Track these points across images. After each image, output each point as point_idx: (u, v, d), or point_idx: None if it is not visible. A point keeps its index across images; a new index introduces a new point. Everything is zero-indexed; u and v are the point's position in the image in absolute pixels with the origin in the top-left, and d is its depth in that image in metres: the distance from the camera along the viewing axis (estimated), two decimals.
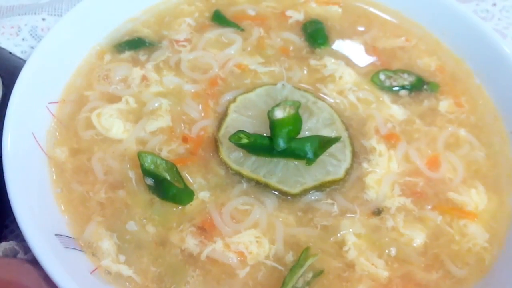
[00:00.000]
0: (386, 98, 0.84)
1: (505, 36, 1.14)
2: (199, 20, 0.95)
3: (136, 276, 0.67)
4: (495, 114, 0.82)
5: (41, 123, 0.79)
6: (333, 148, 0.76)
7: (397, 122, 0.81)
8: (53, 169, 0.76)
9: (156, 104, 0.82)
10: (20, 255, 0.72)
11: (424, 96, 0.85)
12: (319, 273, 0.67)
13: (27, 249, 0.72)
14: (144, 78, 0.86)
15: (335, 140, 0.74)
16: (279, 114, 0.75)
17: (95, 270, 0.67)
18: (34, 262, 0.69)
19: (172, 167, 0.74)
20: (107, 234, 0.70)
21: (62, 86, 0.85)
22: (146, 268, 0.68)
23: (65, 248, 0.67)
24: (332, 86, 0.85)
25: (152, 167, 0.74)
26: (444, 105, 0.83)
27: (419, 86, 0.85)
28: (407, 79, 0.86)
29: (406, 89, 0.85)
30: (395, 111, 0.82)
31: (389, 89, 0.85)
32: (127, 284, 0.66)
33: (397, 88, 0.85)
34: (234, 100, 0.82)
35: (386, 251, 0.68)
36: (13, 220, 0.72)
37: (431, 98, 0.84)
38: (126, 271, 0.67)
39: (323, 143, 0.74)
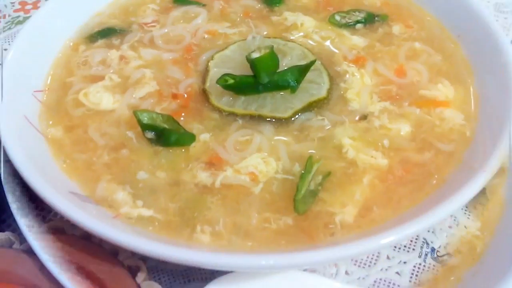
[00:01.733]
0: (345, 32, 0.93)
1: None
2: (161, 4, 1.02)
3: (157, 215, 0.68)
4: (440, 25, 0.93)
5: (30, 109, 0.81)
6: (311, 76, 0.83)
7: (360, 48, 0.90)
8: (52, 146, 0.77)
9: (139, 75, 0.87)
10: (16, 245, 0.72)
11: (378, 26, 0.95)
12: (327, 175, 0.72)
13: (22, 240, 0.72)
14: (122, 57, 0.90)
15: (311, 63, 0.81)
16: (256, 55, 0.82)
17: (116, 216, 0.68)
18: (29, 252, 0.69)
19: (169, 118, 0.78)
20: (119, 188, 0.71)
21: (44, 76, 0.88)
22: (165, 206, 0.70)
23: (83, 202, 0.68)
24: (296, 32, 0.94)
25: (150, 121, 0.77)
26: (396, 29, 0.94)
27: (371, 19, 0.96)
28: (359, 16, 0.96)
29: (361, 23, 0.95)
30: (356, 40, 0.91)
31: (346, 26, 0.95)
32: (151, 223, 0.68)
33: (352, 23, 0.95)
34: (211, 58, 0.88)
35: (380, 144, 0.75)
36: (10, 215, 0.72)
37: (384, 26, 0.95)
38: (146, 212, 0.68)
39: (302, 70, 0.81)
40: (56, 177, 0.72)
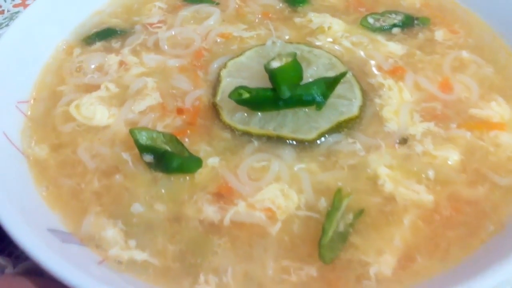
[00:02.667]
0: (380, 37, 0.81)
1: None
2: (170, 2, 0.90)
3: (153, 259, 0.57)
4: (492, 33, 0.80)
5: (12, 124, 0.70)
6: (341, 90, 0.70)
7: (398, 57, 0.78)
8: (34, 169, 0.66)
9: (141, 84, 0.75)
10: (9, 269, 0.61)
11: (418, 30, 0.82)
12: (359, 213, 0.59)
13: (15, 262, 0.62)
14: (121, 63, 0.79)
15: (341, 75, 0.69)
16: (276, 64, 0.69)
17: (102, 261, 0.56)
18: (26, 273, 0.59)
19: (171, 138, 0.66)
20: (109, 223, 0.60)
21: (31, 85, 0.77)
22: (163, 248, 0.58)
23: (63, 242, 0.56)
24: (323, 37, 0.81)
25: (149, 142, 0.66)
26: (440, 34, 0.81)
27: (410, 22, 0.83)
28: (396, 18, 0.84)
29: (398, 26, 0.82)
30: (393, 47, 0.79)
31: (381, 30, 0.82)
32: (145, 269, 0.56)
33: (388, 27, 0.82)
34: (224, 66, 0.76)
35: (423, 175, 0.62)
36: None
37: (424, 30, 0.82)
38: (139, 255, 0.57)
39: (330, 83, 0.69)
40: (34, 208, 0.61)
